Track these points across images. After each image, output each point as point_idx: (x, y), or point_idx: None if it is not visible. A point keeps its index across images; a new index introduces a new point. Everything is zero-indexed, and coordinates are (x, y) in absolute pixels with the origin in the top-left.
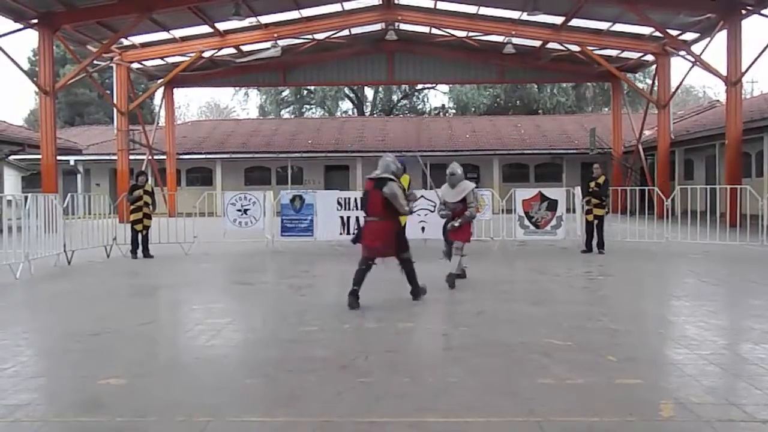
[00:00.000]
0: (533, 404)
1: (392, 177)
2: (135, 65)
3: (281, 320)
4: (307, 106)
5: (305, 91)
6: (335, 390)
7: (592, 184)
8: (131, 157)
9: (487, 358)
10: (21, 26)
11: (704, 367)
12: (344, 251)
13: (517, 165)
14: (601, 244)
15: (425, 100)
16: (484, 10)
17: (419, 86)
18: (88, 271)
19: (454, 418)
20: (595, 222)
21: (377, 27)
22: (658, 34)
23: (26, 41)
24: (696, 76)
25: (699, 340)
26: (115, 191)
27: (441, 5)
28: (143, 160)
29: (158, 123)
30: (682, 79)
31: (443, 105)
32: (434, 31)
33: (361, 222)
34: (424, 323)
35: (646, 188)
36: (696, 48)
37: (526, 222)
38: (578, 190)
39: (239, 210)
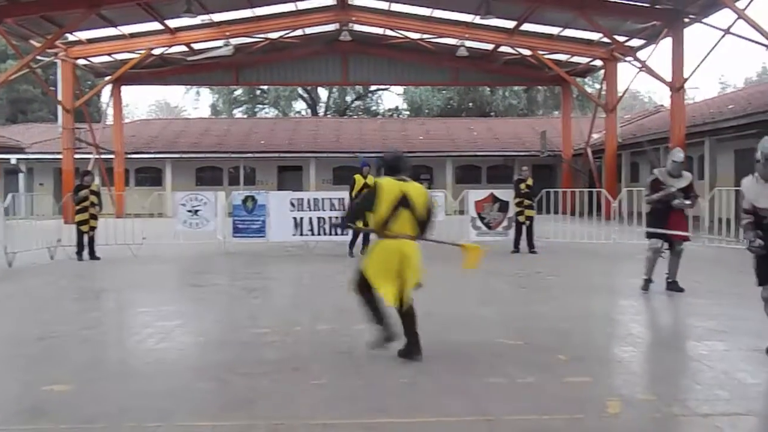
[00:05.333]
0: (484, 403)
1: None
2: (81, 61)
3: (233, 323)
4: (260, 106)
5: (258, 91)
6: (288, 392)
7: (523, 186)
8: (77, 156)
9: (438, 359)
10: None
11: (649, 364)
12: (297, 252)
13: (470, 167)
14: (531, 245)
15: (379, 101)
16: (438, 13)
17: (373, 87)
18: (31, 273)
19: (406, 418)
20: (527, 223)
21: (331, 27)
22: (606, 40)
23: None
24: (642, 81)
25: (644, 338)
26: (60, 191)
27: (395, 7)
28: (90, 159)
29: (106, 121)
30: (629, 84)
31: (397, 106)
32: (388, 32)
33: (314, 222)
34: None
35: (594, 190)
36: (642, 54)
37: (479, 223)
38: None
39: (190, 211)
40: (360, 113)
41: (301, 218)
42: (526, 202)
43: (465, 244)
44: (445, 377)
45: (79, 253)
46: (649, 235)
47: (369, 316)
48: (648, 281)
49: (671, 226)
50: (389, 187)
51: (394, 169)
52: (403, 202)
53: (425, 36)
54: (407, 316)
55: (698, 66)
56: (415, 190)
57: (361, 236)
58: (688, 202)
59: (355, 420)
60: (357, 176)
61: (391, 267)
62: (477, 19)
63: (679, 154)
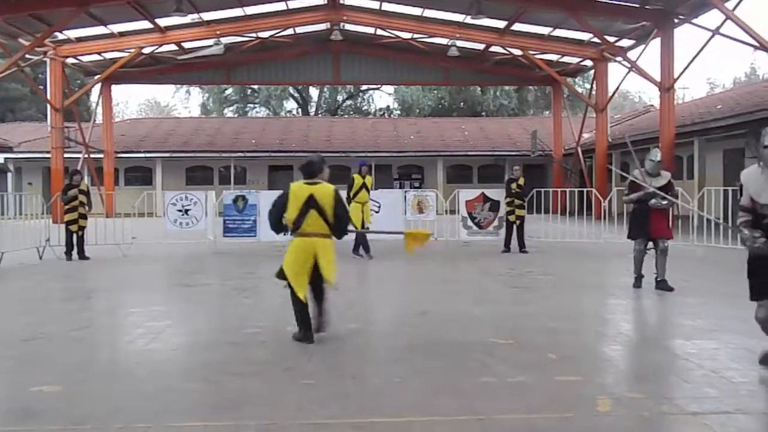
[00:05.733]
0: (476, 403)
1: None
2: (70, 60)
3: (223, 323)
4: (251, 105)
5: (249, 90)
6: (279, 392)
7: (514, 186)
8: (66, 155)
9: (430, 358)
10: None
11: (638, 362)
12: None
13: (461, 166)
14: (522, 244)
15: (370, 100)
16: (429, 13)
17: (364, 87)
18: (19, 274)
19: (398, 418)
20: (517, 222)
21: (322, 27)
22: (596, 40)
23: None
24: (632, 81)
25: (633, 337)
26: (49, 191)
27: (386, 6)
28: (79, 158)
29: (95, 120)
30: (619, 84)
31: (388, 106)
32: (380, 32)
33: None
34: (367, 324)
35: (585, 190)
36: (632, 54)
37: (470, 222)
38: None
39: (180, 210)
40: (351, 113)
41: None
42: (517, 201)
43: (408, 231)
44: (436, 376)
45: (68, 253)
46: (631, 237)
47: (296, 317)
48: (638, 278)
49: (653, 226)
50: (297, 190)
51: (306, 173)
52: (311, 203)
53: (416, 36)
54: (320, 299)
55: (687, 66)
56: (321, 192)
57: (354, 237)
58: (664, 202)
59: (347, 419)
60: (355, 176)
61: (304, 264)
62: (468, 19)
63: (656, 154)
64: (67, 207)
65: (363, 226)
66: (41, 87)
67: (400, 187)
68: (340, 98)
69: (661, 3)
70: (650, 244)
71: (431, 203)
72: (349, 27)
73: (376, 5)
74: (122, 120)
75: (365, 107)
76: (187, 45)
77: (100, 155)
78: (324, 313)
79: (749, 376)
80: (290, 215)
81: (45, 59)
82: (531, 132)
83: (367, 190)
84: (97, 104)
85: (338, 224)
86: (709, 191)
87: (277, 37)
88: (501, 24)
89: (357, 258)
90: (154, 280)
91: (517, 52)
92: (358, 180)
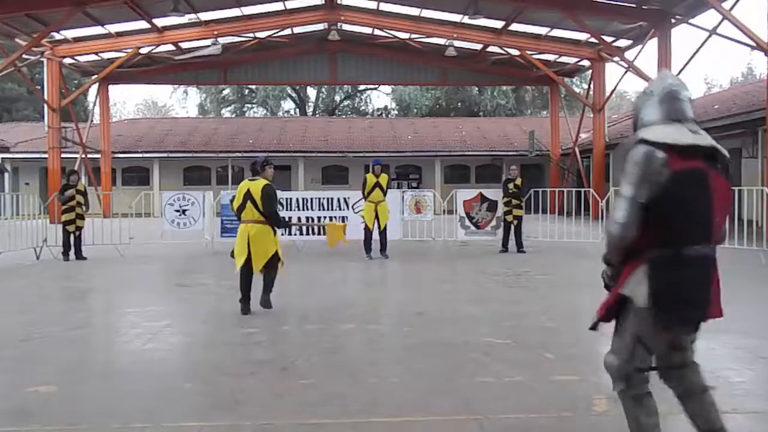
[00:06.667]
0: (473, 402)
1: None
2: (67, 60)
3: (220, 322)
4: (249, 106)
5: (247, 90)
6: (276, 392)
7: (511, 186)
8: (63, 155)
9: (428, 358)
10: None
11: None
12: (285, 252)
13: (459, 166)
14: (520, 244)
15: (368, 100)
16: (427, 13)
17: (362, 87)
18: (16, 273)
19: (395, 418)
20: (515, 222)
21: (320, 27)
22: (593, 40)
23: None
24: (629, 81)
25: None
26: (46, 191)
27: (384, 7)
28: (76, 158)
29: (92, 120)
30: (616, 84)
31: (386, 106)
32: (377, 32)
33: (303, 222)
34: (365, 324)
35: (582, 190)
36: (629, 54)
37: (467, 222)
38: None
39: (177, 210)
40: (349, 113)
41: (290, 218)
42: (515, 201)
43: (328, 223)
44: (433, 376)
45: (66, 253)
46: None
47: (240, 287)
48: None
49: None
50: (242, 185)
51: (251, 171)
52: (247, 196)
53: (414, 36)
54: (265, 281)
55: (684, 66)
56: (254, 186)
57: (364, 236)
58: None
59: (344, 419)
60: (368, 175)
61: (241, 243)
62: (465, 19)
63: None
64: (64, 207)
65: (381, 227)
66: (38, 87)
67: (398, 188)
68: (337, 98)
69: (658, 3)
70: None
71: (429, 203)
72: (346, 27)
73: (373, 5)
74: (119, 120)
75: (363, 107)
76: (184, 45)
77: (98, 155)
78: (266, 291)
79: (746, 375)
80: (235, 205)
81: (42, 59)
82: (528, 132)
83: (382, 189)
84: (95, 104)
85: (266, 213)
86: None
87: (274, 37)
88: (498, 24)
89: (382, 258)
90: (151, 280)
91: (515, 52)
92: (370, 179)
